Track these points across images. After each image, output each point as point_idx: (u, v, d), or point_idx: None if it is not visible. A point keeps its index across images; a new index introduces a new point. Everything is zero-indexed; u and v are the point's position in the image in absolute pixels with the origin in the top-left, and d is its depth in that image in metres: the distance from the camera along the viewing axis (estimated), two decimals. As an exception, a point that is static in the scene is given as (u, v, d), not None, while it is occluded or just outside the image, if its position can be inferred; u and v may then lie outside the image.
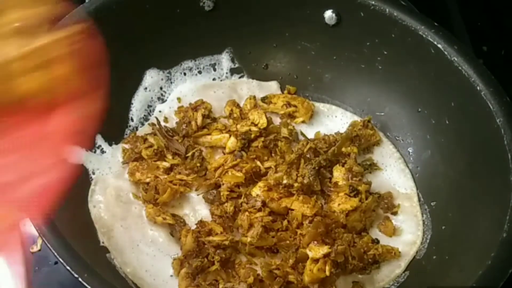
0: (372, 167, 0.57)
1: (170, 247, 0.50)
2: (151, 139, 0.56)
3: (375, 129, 0.59)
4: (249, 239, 0.49)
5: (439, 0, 0.70)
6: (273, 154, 0.56)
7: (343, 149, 0.56)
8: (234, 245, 0.49)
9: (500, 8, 0.65)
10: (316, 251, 0.47)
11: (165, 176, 0.53)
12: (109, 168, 0.54)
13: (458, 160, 0.54)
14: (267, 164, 0.54)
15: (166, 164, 0.54)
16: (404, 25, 0.55)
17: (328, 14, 0.59)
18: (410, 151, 0.59)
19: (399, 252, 0.52)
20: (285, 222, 0.51)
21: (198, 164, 0.54)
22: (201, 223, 0.50)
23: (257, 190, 0.51)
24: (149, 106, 0.59)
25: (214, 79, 0.62)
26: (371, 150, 0.59)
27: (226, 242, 0.48)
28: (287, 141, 0.57)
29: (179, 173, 0.54)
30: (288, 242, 0.49)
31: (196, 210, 0.53)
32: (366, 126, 0.59)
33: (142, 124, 0.58)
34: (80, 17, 0.51)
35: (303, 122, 0.60)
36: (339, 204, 0.52)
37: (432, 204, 0.55)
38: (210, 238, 0.49)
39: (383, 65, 0.58)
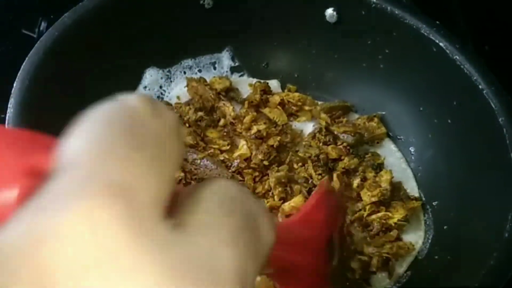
0: (375, 159, 0.57)
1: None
2: None
3: (381, 123, 0.59)
4: None
5: (441, -1, 0.69)
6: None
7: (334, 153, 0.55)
8: None
9: (503, 7, 0.65)
10: None
11: None
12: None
13: (460, 159, 0.53)
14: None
15: None
16: (405, 24, 0.55)
17: (329, 12, 0.58)
18: (412, 150, 0.58)
19: (412, 244, 0.52)
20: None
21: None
22: None
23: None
24: (148, 105, 0.59)
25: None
26: (373, 144, 0.59)
27: None
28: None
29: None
30: None
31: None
32: (371, 119, 0.58)
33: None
34: (80, 14, 0.51)
35: (305, 120, 0.60)
36: (369, 195, 0.52)
37: (434, 204, 0.55)
38: None
39: (385, 63, 0.58)
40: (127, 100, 0.15)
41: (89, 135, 0.13)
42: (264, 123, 0.57)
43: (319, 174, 0.54)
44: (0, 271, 0.11)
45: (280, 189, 0.53)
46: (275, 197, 0.52)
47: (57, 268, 0.11)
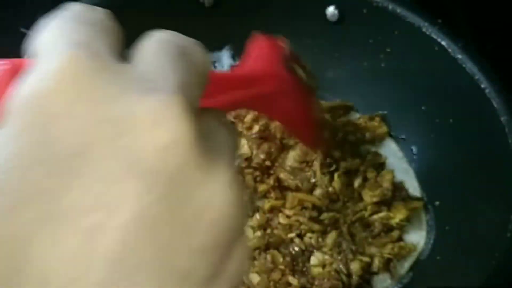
0: (376, 159, 0.56)
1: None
2: None
3: (382, 122, 0.59)
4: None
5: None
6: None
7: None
8: None
9: (505, 6, 0.65)
10: None
11: None
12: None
13: (462, 159, 0.53)
14: None
15: None
16: (407, 22, 0.54)
17: (330, 11, 0.58)
18: (414, 150, 0.58)
19: (414, 245, 0.51)
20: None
21: None
22: None
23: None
24: (148, 104, 0.59)
25: (214, 77, 0.61)
26: (375, 144, 0.58)
27: None
28: None
29: None
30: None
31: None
32: (372, 119, 0.58)
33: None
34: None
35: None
36: (371, 196, 0.51)
37: (435, 204, 0.54)
38: None
39: (386, 62, 0.58)
40: (69, 7, 0.20)
41: (50, 29, 0.19)
42: (266, 123, 0.56)
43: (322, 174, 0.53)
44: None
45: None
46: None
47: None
